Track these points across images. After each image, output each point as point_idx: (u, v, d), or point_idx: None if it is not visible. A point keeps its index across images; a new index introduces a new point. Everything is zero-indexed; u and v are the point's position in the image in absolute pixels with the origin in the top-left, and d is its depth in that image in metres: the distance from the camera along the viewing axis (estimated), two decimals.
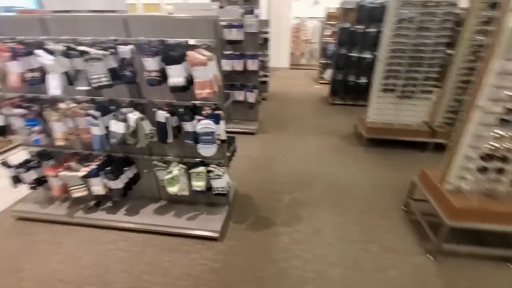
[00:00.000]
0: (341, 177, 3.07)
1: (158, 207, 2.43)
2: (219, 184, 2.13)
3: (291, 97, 6.02)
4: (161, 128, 1.92)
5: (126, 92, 2.03)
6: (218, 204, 2.42)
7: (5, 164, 2.24)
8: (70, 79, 1.82)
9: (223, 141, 2.01)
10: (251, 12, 6.36)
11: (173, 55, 1.62)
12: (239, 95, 4.05)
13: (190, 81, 1.72)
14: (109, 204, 2.45)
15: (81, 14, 1.97)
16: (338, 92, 5.50)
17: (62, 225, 2.34)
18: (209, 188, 2.21)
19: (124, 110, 1.94)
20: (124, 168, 2.19)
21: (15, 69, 1.81)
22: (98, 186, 2.18)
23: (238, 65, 3.80)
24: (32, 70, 1.80)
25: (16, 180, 2.30)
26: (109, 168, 2.11)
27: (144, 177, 2.41)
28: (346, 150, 3.71)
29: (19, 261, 2.01)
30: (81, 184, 2.23)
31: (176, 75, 1.65)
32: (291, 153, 3.62)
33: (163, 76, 1.73)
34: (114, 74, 1.80)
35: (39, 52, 1.71)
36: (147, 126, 1.94)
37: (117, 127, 1.87)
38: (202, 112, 1.89)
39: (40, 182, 2.31)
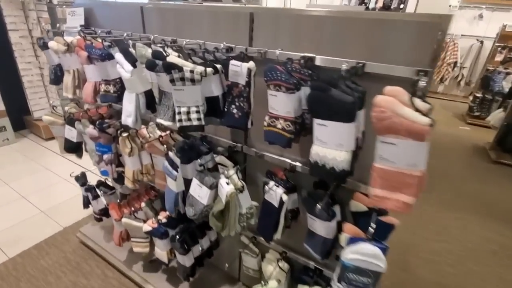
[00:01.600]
0: None
1: None
2: None
3: None
4: (268, 213, 1.04)
5: (227, 129, 1.24)
6: None
7: (78, 180, 1.81)
8: (154, 103, 1.14)
9: None
10: None
11: (336, 97, 0.68)
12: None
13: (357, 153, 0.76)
14: (174, 263, 1.77)
15: (195, 4, 1.28)
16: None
17: (117, 272, 1.79)
18: None
19: (216, 158, 1.16)
20: (199, 239, 1.43)
21: (90, 76, 1.24)
22: (162, 251, 1.49)
23: None
24: (107, 82, 1.19)
25: (88, 202, 1.86)
26: (179, 234, 1.38)
27: (223, 245, 1.62)
28: None
29: None
30: (144, 238, 1.59)
31: (332, 144, 0.71)
32: (439, 240, 2.26)
33: (300, 129, 0.84)
34: (213, 106, 1.01)
35: (118, 57, 1.07)
36: (245, 202, 1.09)
37: (200, 192, 1.09)
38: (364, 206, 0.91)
39: (107, 214, 1.81)
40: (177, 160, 1.18)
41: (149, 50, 1.12)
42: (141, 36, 1.30)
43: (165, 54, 1.02)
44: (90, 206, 1.87)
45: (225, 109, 0.97)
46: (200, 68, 0.92)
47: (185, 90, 0.93)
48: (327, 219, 0.93)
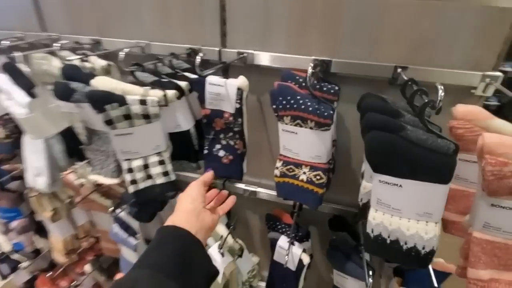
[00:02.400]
0: None
1: None
2: None
3: None
4: (282, 278, 0.76)
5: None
6: None
7: None
8: (79, 146, 0.72)
9: None
10: None
11: (423, 144, 0.38)
12: None
13: None
14: None
15: None
16: None
17: None
18: None
19: None
20: None
21: None
22: None
23: None
24: None
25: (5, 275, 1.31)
26: None
27: None
28: None
29: None
30: None
31: (412, 212, 0.42)
32: None
33: (331, 176, 0.55)
34: (183, 145, 0.65)
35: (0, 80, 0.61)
36: (246, 265, 0.78)
37: None
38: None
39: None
40: (134, 222, 0.80)
41: (55, 63, 0.68)
42: (40, 38, 0.82)
43: (85, 71, 0.61)
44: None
45: (206, 151, 0.62)
46: (156, 94, 0.55)
47: (136, 134, 0.55)
48: (369, 278, 0.69)
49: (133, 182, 0.58)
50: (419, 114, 0.39)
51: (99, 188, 0.89)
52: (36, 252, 1.28)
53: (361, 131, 0.46)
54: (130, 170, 0.57)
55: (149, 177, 0.59)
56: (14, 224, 0.95)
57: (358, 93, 0.56)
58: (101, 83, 0.53)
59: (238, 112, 0.57)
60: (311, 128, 0.49)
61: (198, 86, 0.58)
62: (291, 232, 0.73)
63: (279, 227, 0.78)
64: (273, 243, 0.73)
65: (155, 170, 0.59)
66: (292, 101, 0.48)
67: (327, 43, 0.61)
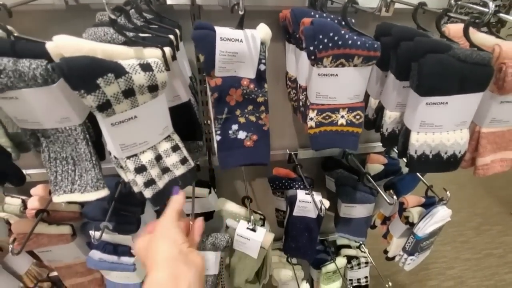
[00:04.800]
0: None
1: None
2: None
3: None
4: (303, 229, 0.75)
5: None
6: None
7: None
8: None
9: None
10: None
11: (470, 59, 0.40)
12: None
13: None
14: None
15: None
16: None
17: None
18: None
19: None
20: None
21: None
22: None
23: None
24: None
25: None
26: None
27: None
28: None
29: None
30: None
31: (452, 124, 0.46)
32: None
33: None
34: (185, 121, 0.50)
35: None
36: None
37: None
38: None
39: None
40: (123, 237, 0.61)
41: None
42: None
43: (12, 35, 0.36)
44: None
45: (218, 136, 0.49)
46: (153, 53, 0.37)
47: (141, 116, 0.37)
48: (373, 201, 0.77)
49: (149, 183, 0.41)
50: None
51: (42, 217, 0.62)
52: None
53: (398, 59, 0.45)
54: (141, 169, 0.40)
55: (165, 170, 0.44)
56: None
57: None
58: (65, 46, 0.31)
59: (262, 76, 0.46)
60: (355, 65, 0.45)
61: (202, 45, 0.43)
62: (306, 184, 0.72)
63: (286, 184, 0.76)
64: (292, 201, 0.71)
65: (171, 160, 0.44)
66: (336, 38, 0.42)
67: None
